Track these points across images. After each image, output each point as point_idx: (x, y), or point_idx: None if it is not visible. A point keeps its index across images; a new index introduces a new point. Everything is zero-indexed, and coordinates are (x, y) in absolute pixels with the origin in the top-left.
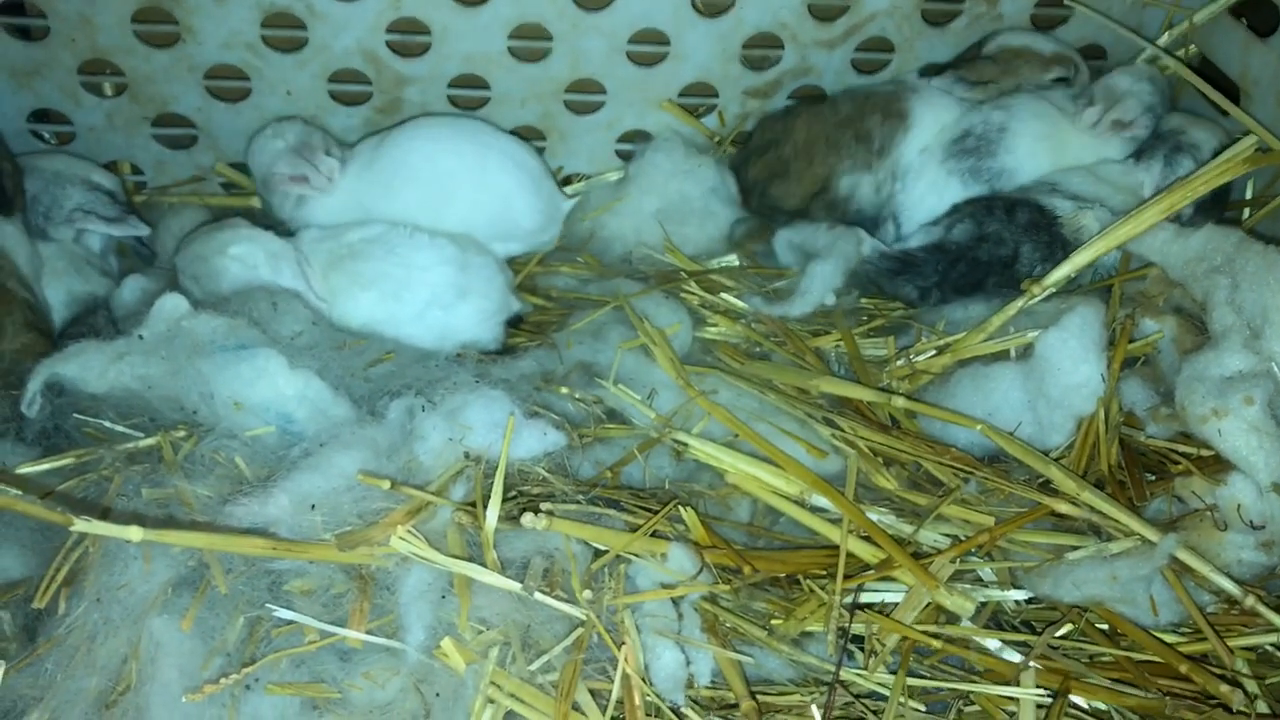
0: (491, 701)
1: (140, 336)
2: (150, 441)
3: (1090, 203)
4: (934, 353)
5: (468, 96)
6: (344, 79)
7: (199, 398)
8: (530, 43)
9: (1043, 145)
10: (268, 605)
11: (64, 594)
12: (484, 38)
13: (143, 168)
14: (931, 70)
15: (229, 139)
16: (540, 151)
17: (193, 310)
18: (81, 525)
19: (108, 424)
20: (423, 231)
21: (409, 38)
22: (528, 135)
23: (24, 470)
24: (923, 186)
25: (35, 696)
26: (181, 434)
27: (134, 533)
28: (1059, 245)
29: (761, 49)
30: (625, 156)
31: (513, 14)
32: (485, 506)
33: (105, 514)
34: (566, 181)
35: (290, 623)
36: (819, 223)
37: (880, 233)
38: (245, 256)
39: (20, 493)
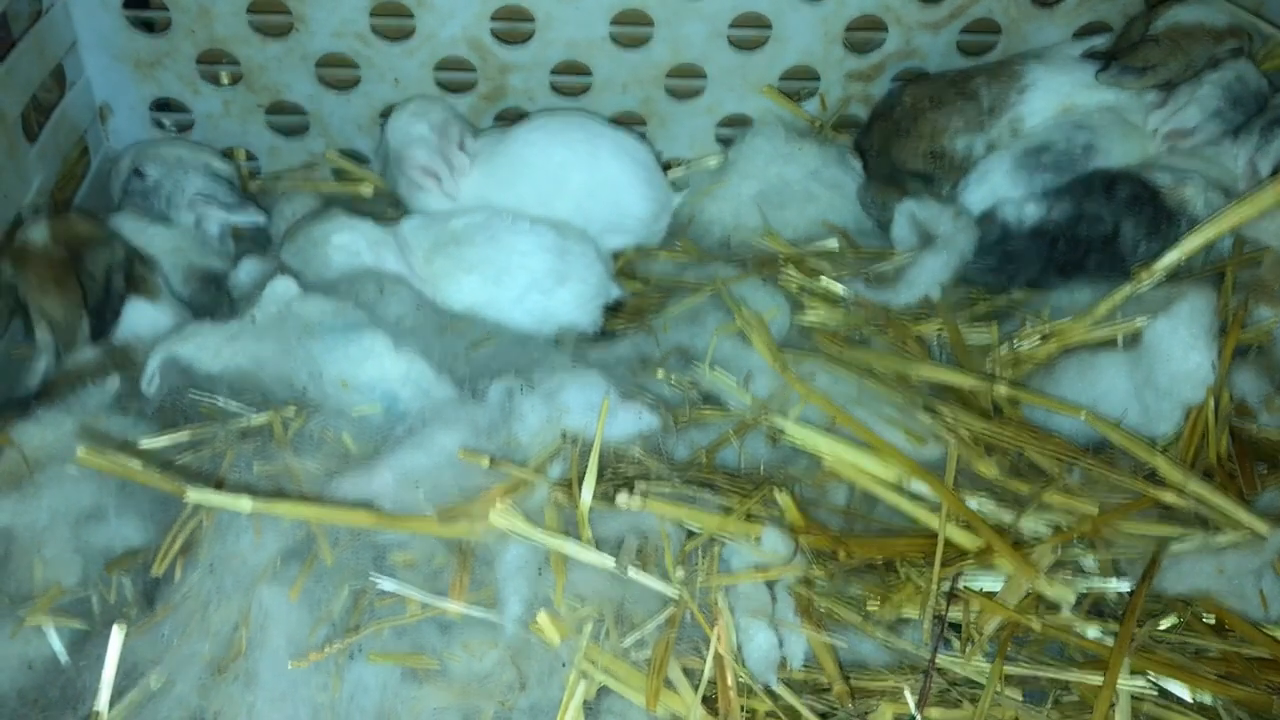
0: (585, 675)
1: (253, 318)
2: (262, 419)
3: (1189, 174)
4: (1038, 340)
5: (570, 83)
6: (450, 67)
7: (308, 377)
8: (631, 29)
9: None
10: (372, 576)
11: (180, 562)
12: (586, 24)
13: (257, 154)
14: (1094, 57)
15: (339, 126)
16: (640, 137)
17: (302, 293)
18: (195, 496)
19: (222, 402)
20: (524, 218)
21: (513, 25)
22: (628, 121)
23: (144, 444)
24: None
25: (153, 659)
26: (291, 412)
27: (245, 504)
28: (1163, 219)
29: (865, 31)
30: (725, 141)
31: (614, 0)
32: (581, 485)
33: (219, 486)
34: (666, 167)
35: (393, 594)
36: (947, 205)
37: None
38: (348, 245)
39: (140, 464)
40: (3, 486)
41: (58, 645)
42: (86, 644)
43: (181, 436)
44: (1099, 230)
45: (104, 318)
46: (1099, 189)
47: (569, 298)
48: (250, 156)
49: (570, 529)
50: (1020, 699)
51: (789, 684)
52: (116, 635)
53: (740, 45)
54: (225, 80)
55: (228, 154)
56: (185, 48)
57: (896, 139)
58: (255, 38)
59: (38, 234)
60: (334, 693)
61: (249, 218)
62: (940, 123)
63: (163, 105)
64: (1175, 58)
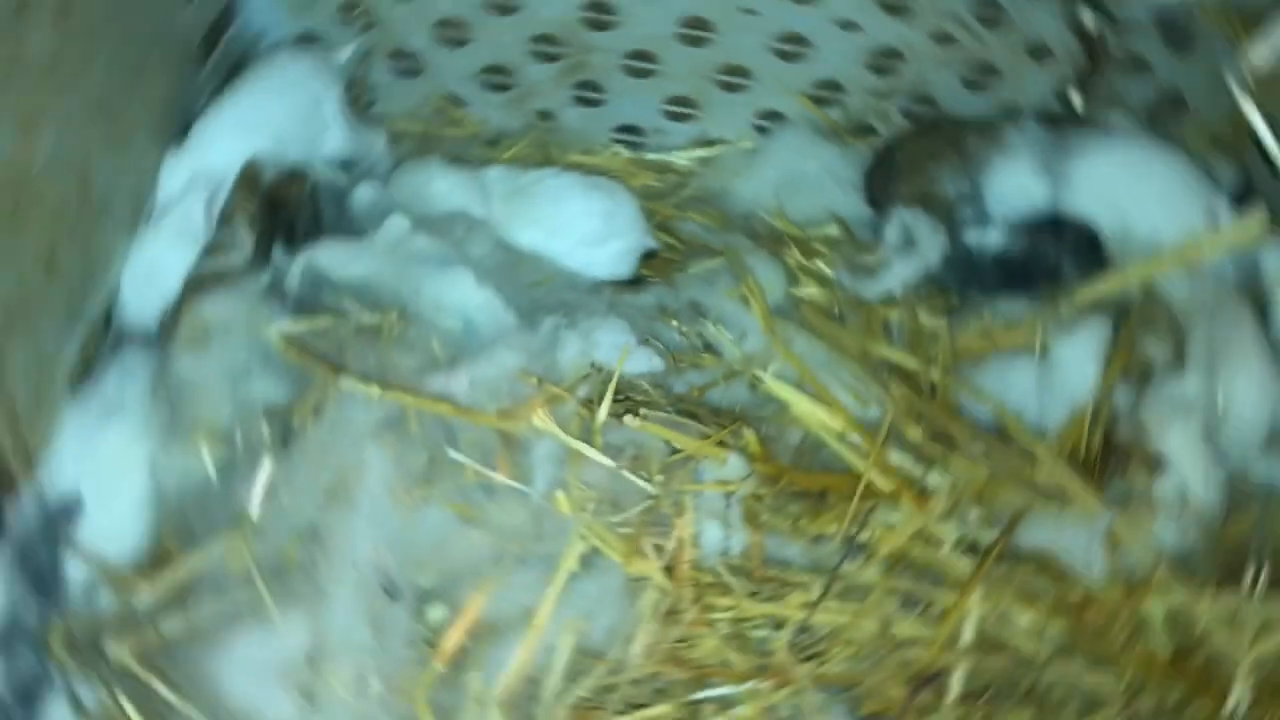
0: (584, 538)
1: (372, 242)
2: (375, 320)
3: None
4: (977, 338)
5: (639, 67)
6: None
7: (410, 294)
8: (695, 31)
9: None
10: (445, 448)
11: (310, 418)
12: (659, 22)
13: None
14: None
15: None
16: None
17: (410, 230)
18: (345, 384)
19: (346, 302)
20: (582, 185)
21: (599, 16)
22: (683, 102)
23: (289, 328)
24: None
25: (285, 483)
26: (395, 317)
27: (375, 391)
28: (1100, 261)
29: (886, 59)
30: (760, 129)
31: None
32: (599, 405)
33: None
34: (709, 144)
35: (457, 462)
36: (933, 217)
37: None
38: (445, 191)
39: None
40: (188, 347)
41: (210, 464)
42: (231, 468)
43: (317, 324)
44: (1045, 265)
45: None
46: (1048, 231)
47: (611, 253)
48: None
49: (587, 435)
50: (899, 604)
51: (728, 567)
52: (267, 463)
53: (782, 56)
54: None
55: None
56: None
57: (895, 184)
58: None
59: (270, 172)
60: (410, 525)
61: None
62: (934, 173)
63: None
64: None
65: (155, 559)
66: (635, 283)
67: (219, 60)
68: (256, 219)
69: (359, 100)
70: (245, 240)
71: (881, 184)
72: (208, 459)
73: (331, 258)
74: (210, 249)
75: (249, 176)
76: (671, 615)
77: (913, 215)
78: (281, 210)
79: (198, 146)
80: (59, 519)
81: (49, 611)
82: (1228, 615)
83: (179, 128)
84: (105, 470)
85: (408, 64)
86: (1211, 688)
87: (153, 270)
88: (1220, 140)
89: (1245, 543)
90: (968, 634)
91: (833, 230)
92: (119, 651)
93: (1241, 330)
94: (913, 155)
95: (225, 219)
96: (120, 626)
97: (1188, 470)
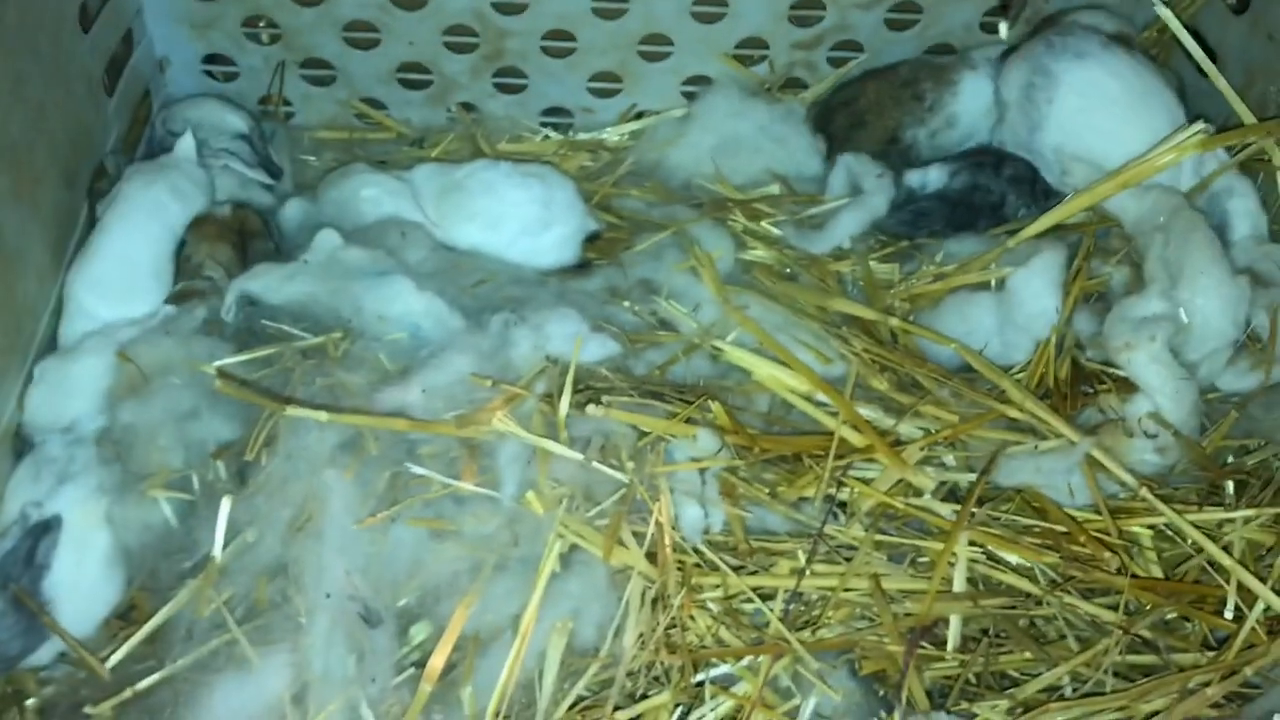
0: (561, 536)
1: (305, 261)
2: (318, 341)
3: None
4: (931, 280)
5: (558, 47)
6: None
7: (351, 310)
8: (610, 4)
9: None
10: (406, 464)
11: (264, 452)
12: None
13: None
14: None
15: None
16: (617, 93)
17: (344, 244)
18: (290, 411)
19: (286, 328)
20: (517, 173)
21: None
22: (607, 79)
23: (229, 361)
24: None
25: (248, 521)
26: (339, 336)
27: (323, 416)
28: (1040, 192)
29: (807, 9)
30: (689, 96)
31: None
32: (559, 398)
33: (290, 399)
34: (639, 116)
35: (421, 477)
36: (878, 163)
37: None
38: (373, 197)
39: (242, 382)
40: (125, 394)
41: (169, 512)
42: (190, 512)
43: (259, 354)
44: (988, 199)
45: None
46: (989, 166)
47: (553, 240)
48: (287, 103)
49: (551, 431)
50: (886, 559)
51: (711, 544)
52: (226, 504)
53: (702, 19)
54: (265, 40)
55: (265, 100)
56: (232, 12)
57: (859, 128)
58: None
59: (221, 209)
60: (380, 547)
61: (259, 178)
62: (897, 118)
63: (212, 59)
64: None
65: (124, 615)
66: (582, 267)
67: (124, 90)
68: (234, 258)
69: (277, 115)
70: (221, 281)
71: (845, 130)
72: (166, 507)
73: (265, 284)
74: (176, 296)
75: (208, 223)
76: (660, 601)
77: (858, 161)
78: (252, 240)
79: (80, 311)
80: (35, 540)
81: (32, 631)
82: (1213, 528)
83: (90, 165)
84: (66, 537)
85: (321, 72)
86: (1207, 601)
87: (64, 385)
88: (1145, 49)
89: (1223, 455)
90: (959, 580)
91: (774, 189)
92: (97, 714)
93: (1198, 242)
94: (876, 100)
95: (191, 270)
96: (96, 687)
97: (1157, 390)
